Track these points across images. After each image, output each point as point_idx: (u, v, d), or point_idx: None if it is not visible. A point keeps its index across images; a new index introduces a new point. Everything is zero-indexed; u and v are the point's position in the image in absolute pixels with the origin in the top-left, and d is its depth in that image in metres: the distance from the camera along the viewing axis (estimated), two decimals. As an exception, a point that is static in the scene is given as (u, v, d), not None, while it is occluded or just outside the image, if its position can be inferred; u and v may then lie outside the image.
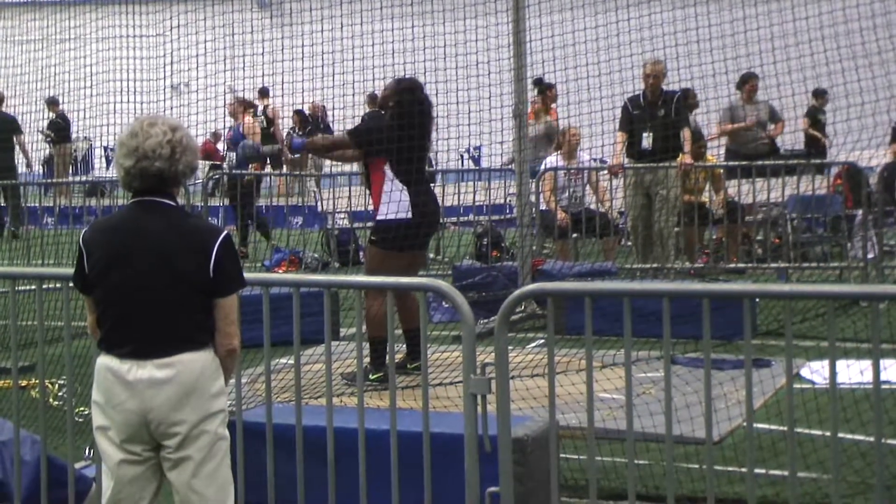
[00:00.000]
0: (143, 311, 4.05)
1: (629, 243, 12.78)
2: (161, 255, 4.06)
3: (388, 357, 5.14)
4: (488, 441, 4.54)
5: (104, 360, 4.12)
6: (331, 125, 16.59)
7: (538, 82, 13.31)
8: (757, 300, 8.41)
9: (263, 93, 18.31)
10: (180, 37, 11.44)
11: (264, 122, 19.20)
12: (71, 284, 5.36)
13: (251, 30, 12.01)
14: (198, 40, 11.39)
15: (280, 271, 12.27)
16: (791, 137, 13.82)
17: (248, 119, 14.91)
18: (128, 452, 4.07)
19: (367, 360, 7.15)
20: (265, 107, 19.01)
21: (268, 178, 18.41)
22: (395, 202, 7.24)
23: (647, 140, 11.38)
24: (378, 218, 7.31)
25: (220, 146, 19.86)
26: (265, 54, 12.13)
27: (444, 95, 9.89)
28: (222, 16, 11.63)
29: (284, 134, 18.64)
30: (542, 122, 14.06)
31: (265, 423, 5.02)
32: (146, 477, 4.10)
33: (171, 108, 12.38)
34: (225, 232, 4.17)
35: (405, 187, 7.27)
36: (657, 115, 11.34)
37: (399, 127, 7.28)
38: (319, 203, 14.16)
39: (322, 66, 11.26)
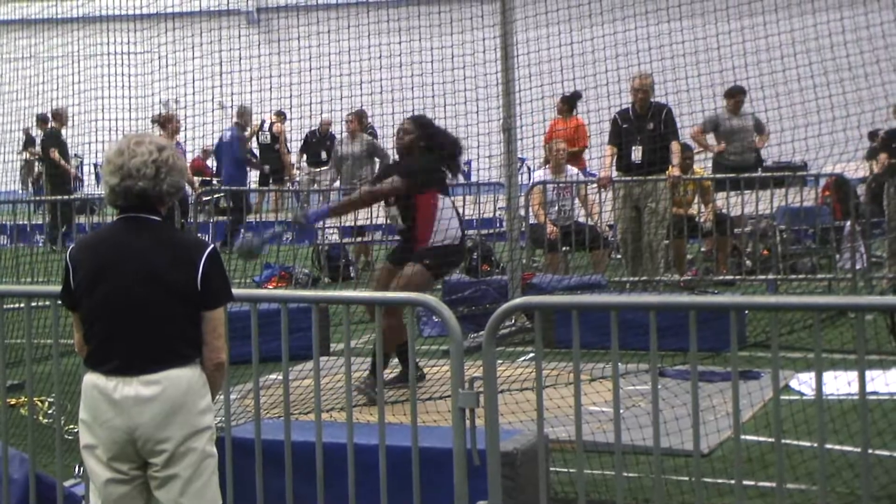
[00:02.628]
0: (129, 326, 4.05)
1: (618, 256, 12.81)
2: (146, 269, 4.05)
3: (376, 371, 5.13)
4: (477, 455, 4.54)
5: (90, 378, 4.11)
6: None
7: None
8: (745, 312, 8.44)
9: (280, 115, 18.29)
10: (168, 54, 11.46)
11: (268, 139, 19.23)
12: (59, 302, 5.39)
13: (240, 46, 12.01)
14: (185, 57, 11.40)
15: (270, 287, 12.27)
16: (776, 150, 13.87)
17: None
18: (115, 471, 4.06)
19: (367, 373, 7.44)
20: (271, 124, 19.02)
21: (254, 194, 18.48)
22: (450, 229, 7.64)
23: (636, 153, 11.42)
24: (434, 244, 7.61)
25: (210, 162, 19.87)
26: (254, 70, 12.15)
27: (433, 110, 9.90)
28: (210, 32, 11.64)
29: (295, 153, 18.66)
30: (360, 140, 14.33)
31: (254, 439, 5.02)
32: (132, 496, 4.09)
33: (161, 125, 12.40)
34: (211, 245, 4.17)
35: (454, 215, 7.75)
36: (646, 129, 11.38)
37: (442, 158, 7.76)
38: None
39: (311, 82, 11.28)
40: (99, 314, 4.10)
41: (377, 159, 14.81)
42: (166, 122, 13.98)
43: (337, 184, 15.02)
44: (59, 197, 15.43)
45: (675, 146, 11.43)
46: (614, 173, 11.81)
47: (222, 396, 5.05)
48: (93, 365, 4.12)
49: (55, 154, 16.59)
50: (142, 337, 4.04)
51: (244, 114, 15.43)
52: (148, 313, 4.04)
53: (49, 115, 16.28)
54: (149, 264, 4.06)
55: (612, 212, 12.19)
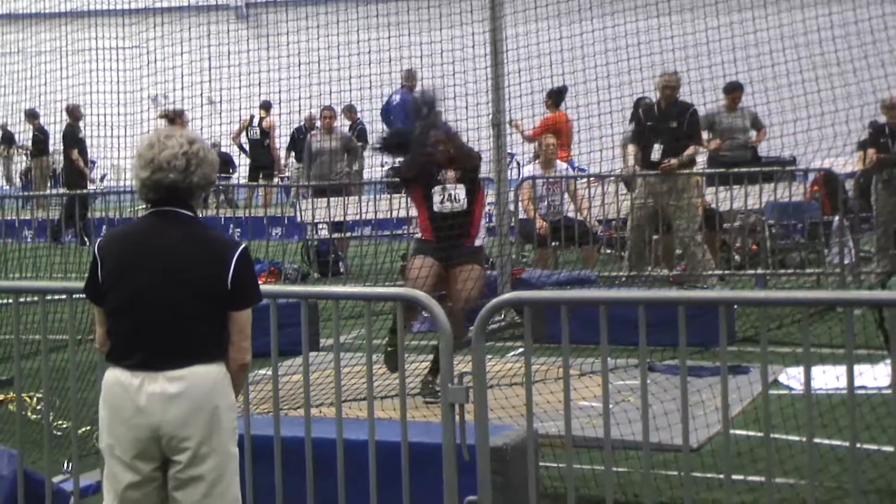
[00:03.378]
0: (155, 321, 3.99)
1: (608, 251, 12.82)
2: (175, 265, 4.01)
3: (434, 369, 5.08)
4: (466, 450, 4.54)
5: (113, 374, 4.04)
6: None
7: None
8: (735, 307, 8.44)
9: (265, 106, 18.23)
10: (157, 49, 11.44)
11: (258, 135, 19.18)
12: (49, 297, 5.37)
13: (228, 41, 12.00)
14: (174, 52, 11.38)
15: (259, 282, 12.23)
16: (765, 145, 13.91)
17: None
18: (135, 472, 3.98)
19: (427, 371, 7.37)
20: (261, 119, 18.96)
21: (240, 189, 18.45)
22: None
23: (658, 151, 11.36)
24: (479, 244, 7.65)
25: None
26: (243, 65, 12.13)
27: (422, 106, 9.90)
28: (199, 27, 11.62)
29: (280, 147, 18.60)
30: (335, 135, 14.45)
31: (244, 435, 5.01)
32: (149, 498, 4.02)
33: (149, 121, 12.37)
34: (243, 245, 4.13)
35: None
36: (669, 127, 11.31)
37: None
38: (299, 213, 14.13)
39: (300, 77, 11.28)
40: (125, 308, 4.03)
41: (349, 154, 14.78)
42: (175, 118, 13.96)
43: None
44: (46, 192, 15.40)
45: (692, 149, 11.35)
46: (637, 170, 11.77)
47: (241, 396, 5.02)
48: (115, 359, 4.05)
49: (74, 154, 16.40)
50: (168, 332, 3.98)
51: (412, 77, 14.96)
52: (174, 309, 3.99)
53: (30, 113, 16.14)
54: (178, 260, 4.01)
55: (600, 207, 12.19)
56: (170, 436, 3.95)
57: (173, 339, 3.99)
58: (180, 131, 4.16)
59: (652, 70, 11.25)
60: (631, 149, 11.73)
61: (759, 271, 11.46)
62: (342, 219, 13.47)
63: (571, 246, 12.32)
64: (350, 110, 16.65)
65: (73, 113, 15.88)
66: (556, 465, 5.53)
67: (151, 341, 3.99)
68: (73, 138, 16.18)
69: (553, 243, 12.12)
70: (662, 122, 11.36)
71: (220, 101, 14.33)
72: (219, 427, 4.00)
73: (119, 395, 3.99)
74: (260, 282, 4.71)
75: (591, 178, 12.59)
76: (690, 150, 11.37)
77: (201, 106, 12.78)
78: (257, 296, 4.15)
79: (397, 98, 15.02)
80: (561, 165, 12.83)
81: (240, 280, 4.02)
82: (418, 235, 7.79)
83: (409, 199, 8.84)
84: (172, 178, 4.03)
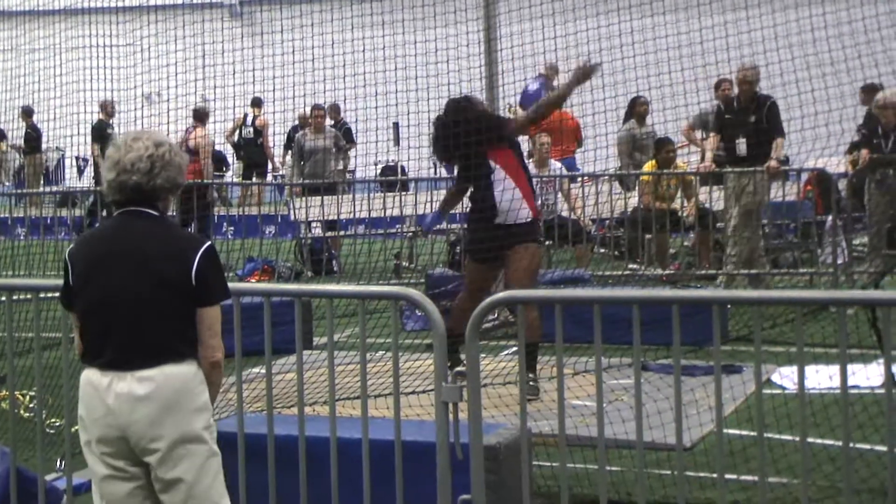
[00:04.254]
0: (123, 321, 4.01)
1: (602, 250, 12.82)
2: (141, 263, 4.03)
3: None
4: (460, 449, 4.54)
5: (86, 374, 4.08)
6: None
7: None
8: (728, 306, 8.45)
9: (256, 103, 18.19)
10: (151, 46, 11.42)
11: (251, 133, 19.16)
12: (42, 295, 5.37)
13: (222, 39, 11.98)
14: (168, 50, 11.36)
15: (253, 281, 12.24)
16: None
17: (200, 131, 14.79)
18: (112, 468, 4.01)
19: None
20: (254, 118, 18.93)
21: (231, 187, 18.42)
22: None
23: (741, 145, 11.31)
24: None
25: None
26: (237, 63, 12.12)
27: (416, 104, 9.91)
28: (193, 25, 11.60)
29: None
30: (326, 134, 14.48)
31: (237, 434, 5.00)
32: (137, 497, 4.03)
33: (143, 118, 12.36)
34: (208, 242, 4.15)
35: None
36: (749, 121, 11.27)
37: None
38: (292, 212, 14.13)
39: (294, 76, 11.26)
40: (94, 309, 4.08)
41: (338, 152, 14.78)
42: (204, 116, 13.98)
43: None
44: (39, 190, 15.36)
45: (779, 141, 11.29)
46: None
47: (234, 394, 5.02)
48: (88, 361, 4.09)
49: (96, 149, 16.36)
50: (136, 332, 4.00)
51: (553, 68, 14.80)
52: (141, 308, 4.01)
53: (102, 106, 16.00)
54: (142, 258, 4.04)
55: (594, 206, 12.17)
56: (138, 436, 3.97)
57: (142, 339, 4.01)
58: (148, 134, 4.19)
59: (647, 69, 11.25)
60: (712, 140, 11.65)
61: (753, 271, 11.44)
62: (336, 217, 13.46)
63: (565, 245, 12.32)
64: (335, 110, 16.61)
65: (105, 108, 15.88)
66: (549, 463, 5.54)
67: (120, 341, 4.02)
68: (100, 133, 16.15)
69: (546, 242, 12.12)
70: (742, 116, 11.28)
71: (214, 100, 14.34)
72: (191, 427, 4.01)
73: (91, 394, 4.03)
74: (254, 280, 4.71)
75: (585, 178, 12.61)
76: (778, 143, 11.26)
77: (196, 104, 12.80)
78: (223, 292, 4.16)
79: (535, 86, 14.90)
80: (555, 164, 12.83)
81: (204, 276, 4.03)
82: (526, 217, 7.46)
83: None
84: (136, 180, 4.06)
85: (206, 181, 14.31)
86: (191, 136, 14.51)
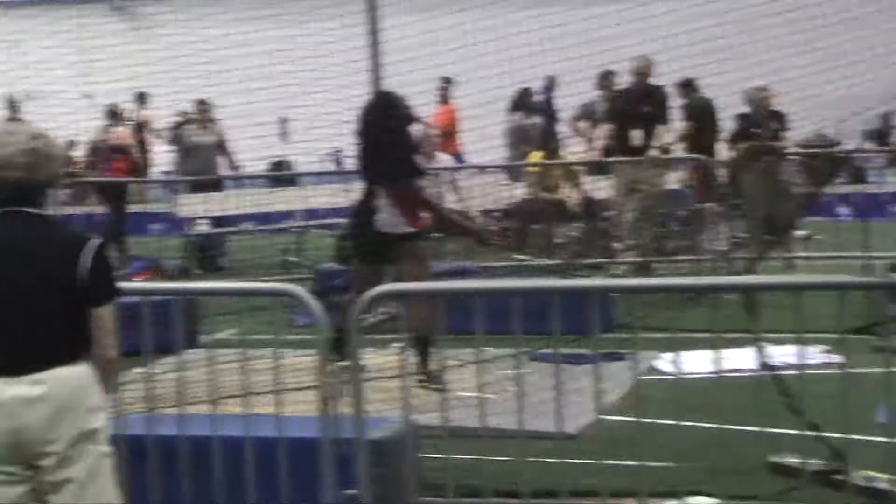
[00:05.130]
0: (11, 325, 3.89)
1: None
2: (27, 265, 3.90)
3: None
4: (339, 444, 4.54)
5: None
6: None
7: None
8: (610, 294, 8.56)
9: (139, 98, 17.85)
10: (25, 42, 11.17)
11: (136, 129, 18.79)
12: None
13: (102, 34, 11.78)
14: (44, 45, 11.13)
15: (117, 277, 12.00)
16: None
17: (122, 129, 14.52)
18: (3, 473, 3.88)
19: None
20: (137, 113, 18.55)
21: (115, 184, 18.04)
22: None
23: (637, 136, 11.40)
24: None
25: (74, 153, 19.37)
26: (119, 58, 11.93)
27: (301, 98, 9.88)
28: (69, 20, 11.38)
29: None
30: (212, 130, 14.31)
31: (118, 435, 4.92)
32: (25, 499, 3.90)
33: (22, 116, 12.08)
34: (97, 239, 4.02)
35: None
36: (643, 111, 11.36)
37: None
38: (178, 209, 13.93)
39: (177, 70, 11.14)
40: None
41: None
42: (119, 114, 13.68)
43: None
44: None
45: (660, 129, 11.42)
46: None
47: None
48: None
49: None
50: (26, 335, 3.88)
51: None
52: (31, 311, 3.89)
53: None
54: (30, 260, 3.91)
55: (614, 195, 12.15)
56: (33, 440, 3.86)
57: (32, 342, 3.90)
58: (24, 127, 4.06)
59: (542, 56, 11.36)
60: (601, 131, 11.76)
61: (637, 259, 11.63)
62: (222, 213, 13.32)
63: (452, 237, 12.36)
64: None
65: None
66: (436, 455, 5.55)
67: (9, 345, 3.90)
68: None
69: (434, 235, 12.14)
70: (636, 106, 11.39)
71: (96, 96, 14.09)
72: (87, 428, 3.92)
73: None
74: (141, 279, 4.64)
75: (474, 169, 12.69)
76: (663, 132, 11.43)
77: (78, 100, 12.53)
78: (114, 290, 4.07)
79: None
80: (443, 157, 12.87)
81: (93, 275, 3.93)
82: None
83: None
84: (17, 176, 3.93)
85: (91, 179, 14.09)
86: (113, 136, 14.20)
